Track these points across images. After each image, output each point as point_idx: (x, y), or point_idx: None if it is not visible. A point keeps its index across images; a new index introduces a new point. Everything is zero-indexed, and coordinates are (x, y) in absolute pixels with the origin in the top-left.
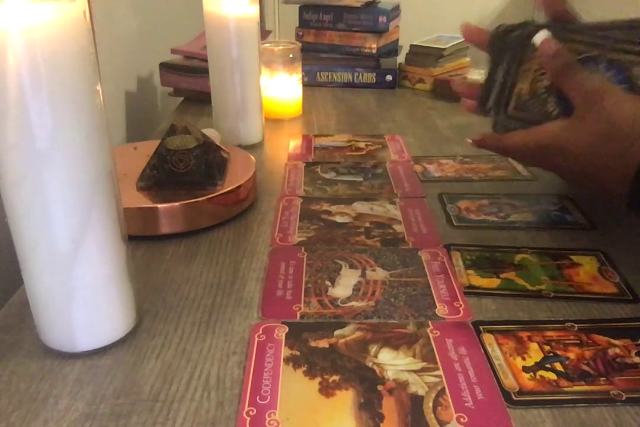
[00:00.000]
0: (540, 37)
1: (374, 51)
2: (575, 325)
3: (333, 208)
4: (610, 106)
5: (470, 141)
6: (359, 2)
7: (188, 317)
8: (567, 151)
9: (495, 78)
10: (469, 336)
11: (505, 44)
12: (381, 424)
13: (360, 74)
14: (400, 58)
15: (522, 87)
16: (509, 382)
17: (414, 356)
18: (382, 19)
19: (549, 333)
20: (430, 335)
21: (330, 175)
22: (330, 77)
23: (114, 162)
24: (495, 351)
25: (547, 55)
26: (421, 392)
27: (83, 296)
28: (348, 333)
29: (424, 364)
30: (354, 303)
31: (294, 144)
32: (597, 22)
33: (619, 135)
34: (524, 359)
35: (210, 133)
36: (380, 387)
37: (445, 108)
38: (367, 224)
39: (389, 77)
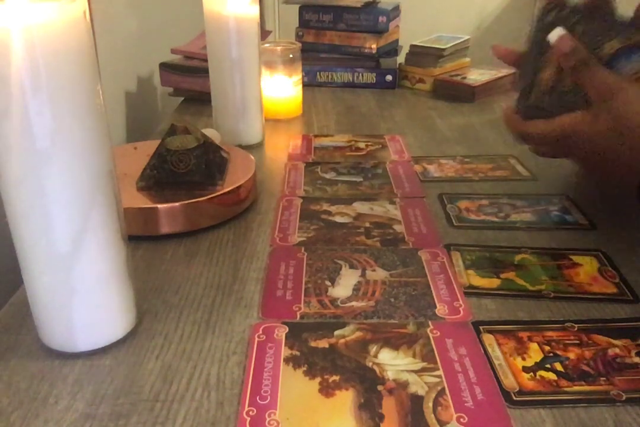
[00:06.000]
0: (555, 34)
1: (374, 51)
2: (575, 325)
3: (333, 208)
4: (623, 103)
5: (503, 106)
6: (359, 2)
7: (188, 317)
8: (583, 143)
9: (525, 67)
10: (469, 336)
11: (533, 35)
12: (381, 424)
13: (360, 74)
14: (400, 58)
15: (544, 77)
16: (509, 382)
17: (414, 356)
18: (382, 19)
19: (549, 333)
20: (430, 335)
21: (330, 175)
22: (330, 77)
23: (114, 162)
24: (495, 351)
25: (563, 53)
26: (421, 392)
27: (83, 296)
28: (348, 333)
29: (424, 364)
30: (354, 303)
31: (294, 144)
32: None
33: (632, 131)
34: (524, 359)
35: (210, 133)
36: (380, 387)
37: (445, 108)
38: (367, 224)
39: (389, 77)
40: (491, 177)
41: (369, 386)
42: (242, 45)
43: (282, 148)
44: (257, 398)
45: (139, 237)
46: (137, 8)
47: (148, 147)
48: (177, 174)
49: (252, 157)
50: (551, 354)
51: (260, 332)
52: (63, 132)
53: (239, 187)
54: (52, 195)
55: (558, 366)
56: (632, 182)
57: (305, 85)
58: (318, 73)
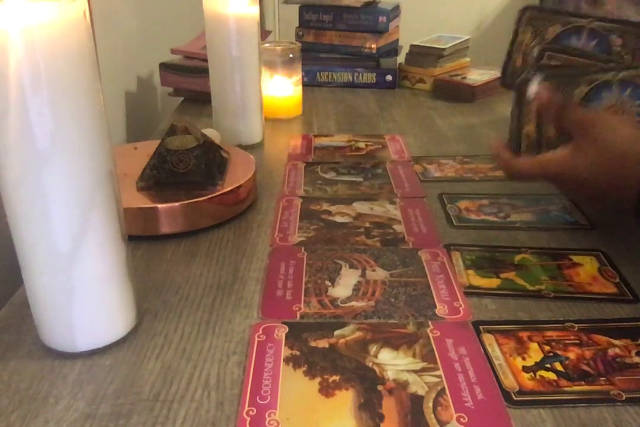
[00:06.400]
0: (533, 89)
1: (374, 51)
2: (575, 325)
3: (333, 208)
4: (602, 132)
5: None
6: (359, 2)
7: (188, 317)
8: (572, 178)
9: (512, 123)
10: (469, 336)
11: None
12: (381, 424)
13: (360, 74)
14: (400, 58)
15: (529, 129)
16: (509, 382)
17: (414, 356)
18: (382, 19)
19: (549, 333)
20: (430, 335)
21: (330, 175)
22: (330, 77)
23: (114, 162)
24: (495, 351)
25: (543, 106)
26: (421, 392)
27: (83, 295)
28: (348, 333)
29: (424, 364)
30: (354, 303)
31: (294, 144)
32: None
33: (617, 158)
34: (524, 359)
35: (210, 133)
36: (380, 387)
37: (445, 108)
38: (367, 224)
39: (389, 77)
40: (491, 177)
41: (369, 386)
42: (242, 45)
43: (282, 148)
44: (257, 398)
45: (139, 237)
46: (137, 8)
47: (148, 147)
48: (177, 174)
49: (252, 157)
50: (551, 354)
51: (260, 332)
52: (63, 132)
53: (239, 187)
54: (52, 195)
55: (558, 366)
56: (625, 207)
57: (305, 85)
58: (318, 73)
